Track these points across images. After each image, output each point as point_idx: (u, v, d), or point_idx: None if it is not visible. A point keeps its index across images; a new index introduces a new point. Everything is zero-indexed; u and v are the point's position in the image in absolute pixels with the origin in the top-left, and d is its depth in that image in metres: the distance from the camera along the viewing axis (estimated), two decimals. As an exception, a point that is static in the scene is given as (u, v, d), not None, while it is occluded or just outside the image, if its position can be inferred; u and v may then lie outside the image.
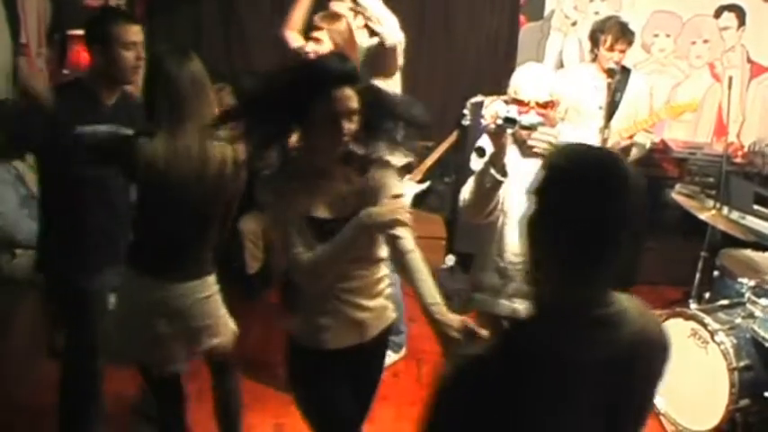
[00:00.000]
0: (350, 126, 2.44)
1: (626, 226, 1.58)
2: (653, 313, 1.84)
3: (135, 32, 3.18)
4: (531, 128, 2.85)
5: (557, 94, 3.07)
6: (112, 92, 3.27)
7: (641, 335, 1.72)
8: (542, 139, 2.82)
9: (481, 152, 3.07)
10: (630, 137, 4.74)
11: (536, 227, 1.63)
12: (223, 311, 3.15)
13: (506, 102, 3.08)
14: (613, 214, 1.56)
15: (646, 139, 4.91)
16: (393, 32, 3.98)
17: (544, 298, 1.66)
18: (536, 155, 2.87)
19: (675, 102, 5.46)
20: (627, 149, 4.82)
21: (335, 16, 3.94)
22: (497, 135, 2.85)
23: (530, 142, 2.86)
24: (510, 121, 2.81)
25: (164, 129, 2.80)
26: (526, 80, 3.08)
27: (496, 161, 2.89)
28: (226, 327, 3.15)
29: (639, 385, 1.77)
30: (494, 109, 2.90)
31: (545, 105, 3.03)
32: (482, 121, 2.91)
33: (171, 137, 2.79)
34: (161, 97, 2.83)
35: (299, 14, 4.25)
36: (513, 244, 3.17)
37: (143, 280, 2.95)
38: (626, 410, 1.74)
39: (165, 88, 2.82)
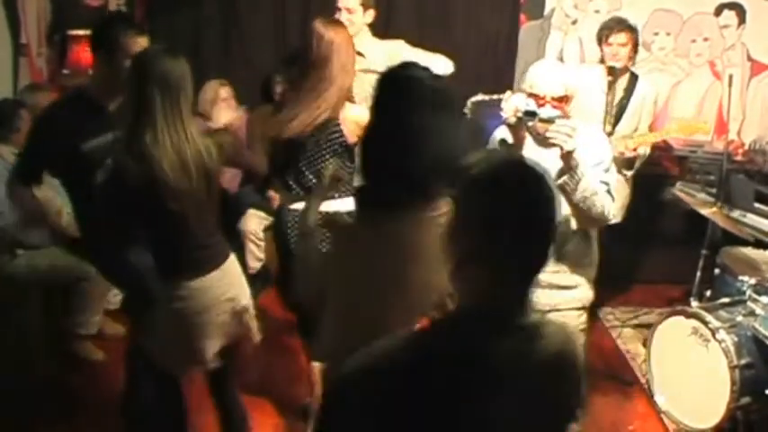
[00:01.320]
0: None
1: (550, 231, 1.60)
2: (573, 340, 1.79)
3: (142, 44, 3.16)
4: (550, 120, 2.91)
5: (571, 89, 3.13)
6: (115, 97, 3.25)
7: (561, 354, 1.69)
8: (561, 131, 2.87)
9: (502, 143, 3.16)
10: (635, 149, 4.75)
11: (458, 231, 1.61)
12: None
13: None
14: (537, 220, 1.59)
15: (646, 149, 4.92)
16: (444, 69, 4.30)
17: (466, 299, 1.63)
18: (553, 146, 2.92)
19: (690, 121, 5.45)
20: (631, 162, 4.82)
21: (337, 23, 3.84)
22: (517, 127, 2.98)
23: (548, 134, 2.91)
24: (530, 114, 2.93)
25: (138, 131, 2.76)
26: (542, 75, 3.13)
27: (516, 152, 3.00)
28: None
29: (550, 406, 1.70)
30: (514, 102, 2.98)
31: (560, 100, 3.09)
32: (502, 114, 2.98)
33: (148, 139, 2.75)
34: (134, 97, 2.81)
35: None
36: None
37: (193, 283, 2.94)
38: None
39: (137, 88, 2.80)
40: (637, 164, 4.86)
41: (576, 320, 3.33)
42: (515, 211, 1.56)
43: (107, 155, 3.19)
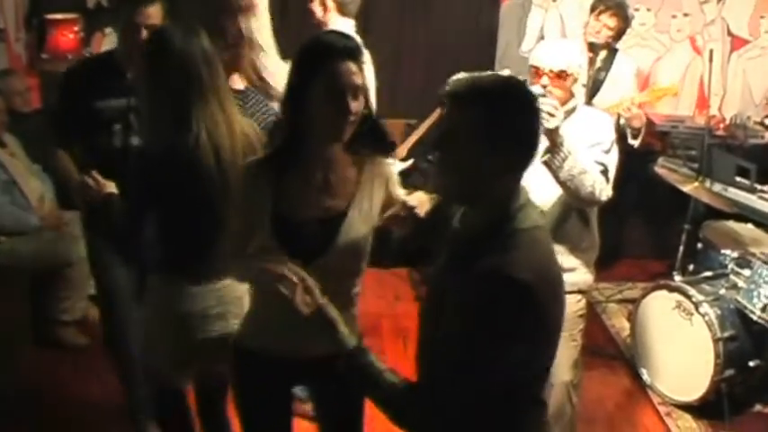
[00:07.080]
0: (355, 104, 2.26)
1: None
2: None
3: (155, 15, 3.13)
4: None
5: (575, 68, 3.10)
6: (135, 65, 3.08)
7: None
8: (542, 110, 2.84)
9: None
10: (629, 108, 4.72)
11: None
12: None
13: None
14: None
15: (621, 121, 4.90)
16: None
17: None
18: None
19: (656, 85, 5.44)
20: (638, 131, 4.79)
21: None
22: None
23: None
24: None
25: (180, 115, 2.56)
26: (545, 49, 3.13)
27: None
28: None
29: None
30: None
31: (559, 75, 3.06)
32: None
33: (195, 122, 2.55)
34: (172, 77, 2.58)
35: None
36: None
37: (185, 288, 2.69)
38: None
39: (174, 67, 2.57)
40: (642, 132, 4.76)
41: (574, 306, 3.18)
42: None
43: (118, 119, 3.16)
